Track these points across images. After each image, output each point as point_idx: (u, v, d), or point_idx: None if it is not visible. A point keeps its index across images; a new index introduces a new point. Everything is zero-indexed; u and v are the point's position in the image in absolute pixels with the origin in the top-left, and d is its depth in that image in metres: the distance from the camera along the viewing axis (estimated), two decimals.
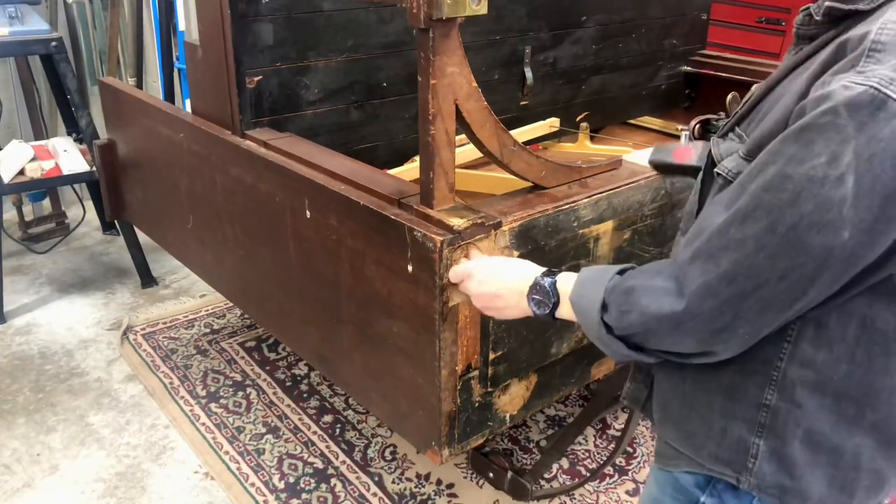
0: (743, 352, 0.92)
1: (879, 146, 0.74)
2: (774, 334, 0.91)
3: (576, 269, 1.57)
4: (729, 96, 1.86)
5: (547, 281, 1.07)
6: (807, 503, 0.96)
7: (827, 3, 0.89)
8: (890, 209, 0.76)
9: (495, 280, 1.18)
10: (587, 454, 2.34)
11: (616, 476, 2.25)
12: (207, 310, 3.12)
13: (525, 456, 2.33)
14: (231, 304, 3.05)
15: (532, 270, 1.12)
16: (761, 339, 0.90)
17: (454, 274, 1.30)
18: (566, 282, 1.06)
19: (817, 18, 0.90)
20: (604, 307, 0.97)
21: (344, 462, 2.29)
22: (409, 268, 1.40)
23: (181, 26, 3.27)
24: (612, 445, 2.35)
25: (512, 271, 1.16)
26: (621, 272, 1.00)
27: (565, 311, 1.06)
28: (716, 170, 0.96)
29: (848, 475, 0.95)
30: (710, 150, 1.01)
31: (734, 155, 0.94)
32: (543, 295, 1.07)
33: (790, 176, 0.79)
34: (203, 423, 2.44)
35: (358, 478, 2.23)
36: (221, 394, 2.59)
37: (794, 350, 0.92)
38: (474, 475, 2.24)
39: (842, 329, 0.89)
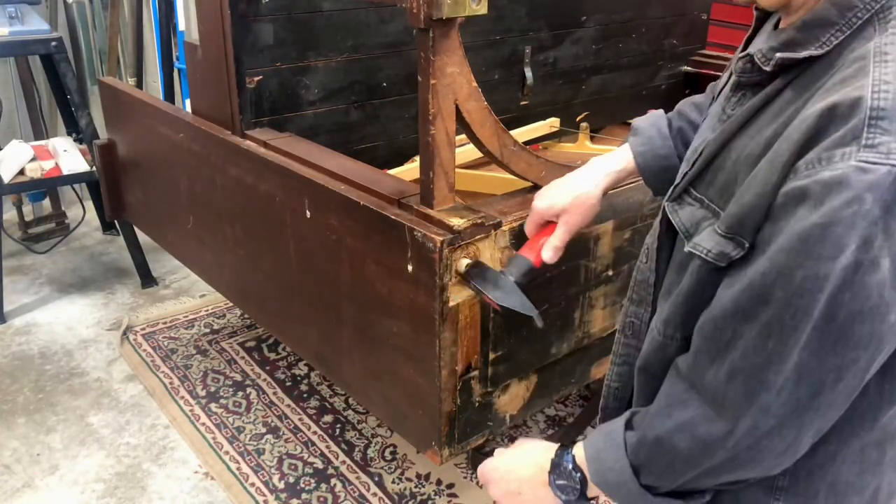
0: None
1: None
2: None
3: (576, 269, 1.58)
4: None
5: (567, 459, 0.96)
6: None
7: (779, 55, 0.83)
8: None
9: (511, 479, 1.04)
10: None
11: None
12: (207, 310, 3.12)
13: None
14: (231, 304, 3.05)
15: (545, 454, 0.99)
16: None
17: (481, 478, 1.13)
18: (578, 461, 0.95)
19: (765, 69, 0.84)
20: (637, 472, 0.88)
21: (344, 462, 2.29)
22: (409, 268, 1.40)
23: (181, 26, 3.27)
24: None
25: (524, 463, 1.03)
26: (627, 425, 0.91)
27: (594, 491, 0.94)
28: (688, 248, 0.88)
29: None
30: (666, 215, 0.95)
31: (709, 231, 0.86)
32: (567, 478, 0.95)
33: (824, 275, 0.72)
34: (203, 423, 2.44)
35: (358, 478, 2.23)
36: (221, 394, 2.59)
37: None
38: (474, 475, 2.24)
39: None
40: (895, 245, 0.70)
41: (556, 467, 0.96)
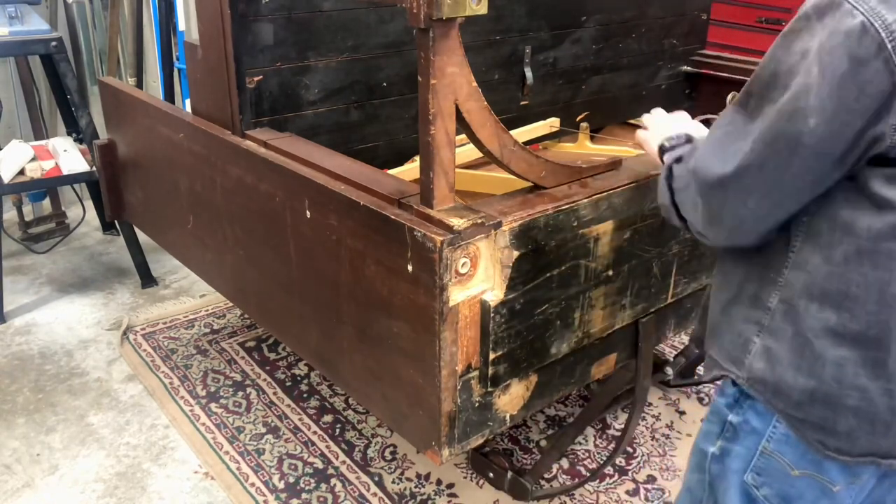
0: (763, 264, 1.04)
1: (836, 40, 0.85)
2: (783, 243, 1.01)
3: (576, 269, 1.58)
4: (729, 96, 1.86)
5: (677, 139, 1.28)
6: (788, 406, 1.03)
7: None
8: (847, 98, 0.86)
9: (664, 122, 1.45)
10: (587, 454, 2.34)
11: (616, 476, 2.25)
12: (207, 310, 3.12)
13: (525, 456, 2.33)
14: (231, 304, 3.05)
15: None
16: (774, 249, 1.02)
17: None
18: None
19: None
20: (669, 173, 1.14)
21: (344, 462, 2.29)
22: (409, 268, 1.40)
23: (181, 26, 3.28)
24: (612, 445, 2.35)
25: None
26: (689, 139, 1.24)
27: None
28: None
29: (831, 388, 0.99)
30: None
31: None
32: (677, 138, 1.27)
33: (777, 72, 0.92)
34: (203, 423, 2.44)
35: (358, 478, 2.23)
36: (221, 394, 2.59)
37: (795, 257, 1.01)
38: (474, 475, 2.24)
39: (829, 234, 0.97)
40: (824, 57, 0.86)
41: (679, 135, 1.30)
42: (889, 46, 0.83)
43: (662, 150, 1.27)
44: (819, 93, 0.86)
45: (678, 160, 1.13)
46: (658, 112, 1.56)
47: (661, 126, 1.42)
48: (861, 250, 0.94)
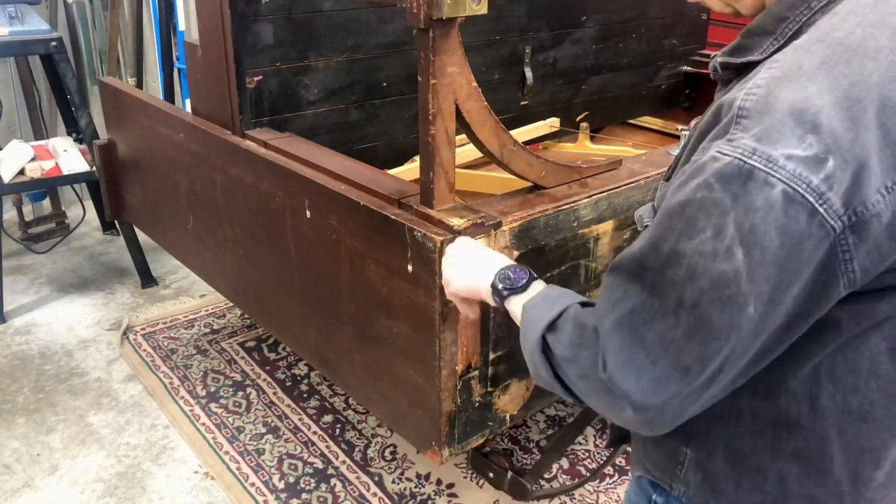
0: None
1: (758, 216, 0.73)
2: None
3: (576, 269, 1.58)
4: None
5: (531, 273, 1.07)
6: None
7: (718, 59, 0.89)
8: (786, 276, 0.74)
9: (473, 253, 1.19)
10: (587, 454, 2.34)
11: (616, 476, 2.25)
12: (207, 310, 3.12)
13: (525, 456, 2.33)
14: (231, 304, 3.05)
15: (509, 261, 1.14)
16: None
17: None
18: (535, 287, 1.04)
19: (718, 71, 0.92)
20: (551, 327, 0.93)
21: (344, 462, 2.29)
22: (409, 268, 1.40)
23: (181, 26, 3.28)
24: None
25: (491, 253, 1.19)
26: (583, 304, 0.95)
27: (513, 306, 1.04)
28: (635, 213, 0.99)
29: (776, 499, 0.92)
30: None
31: (649, 204, 0.96)
32: (515, 276, 1.06)
33: (683, 252, 0.77)
34: (203, 423, 2.44)
35: (358, 478, 2.23)
36: (221, 394, 2.59)
37: None
38: (474, 475, 2.24)
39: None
40: (746, 238, 0.73)
41: (514, 267, 1.08)
42: (821, 210, 0.72)
43: (499, 292, 1.07)
44: (751, 277, 0.74)
45: (551, 327, 0.93)
46: (455, 249, 1.24)
47: (467, 264, 1.18)
48: (786, 372, 0.87)
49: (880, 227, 0.74)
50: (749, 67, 0.86)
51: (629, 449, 1.15)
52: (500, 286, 1.06)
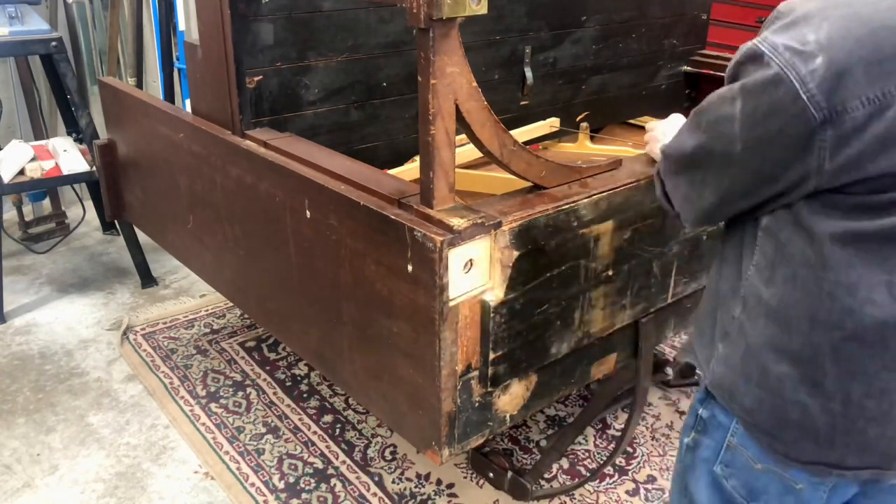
0: (734, 277, 1.10)
1: (757, 84, 0.93)
2: (747, 255, 1.07)
3: (576, 269, 1.58)
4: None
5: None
6: (741, 411, 1.10)
7: None
8: (768, 134, 0.93)
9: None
10: (587, 454, 2.34)
11: (616, 476, 2.25)
12: (207, 310, 3.12)
13: (525, 456, 2.33)
14: (231, 304, 3.05)
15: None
16: (742, 265, 1.08)
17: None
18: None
19: None
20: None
21: (344, 462, 2.29)
22: (410, 268, 1.40)
23: (181, 26, 3.28)
24: (612, 445, 2.35)
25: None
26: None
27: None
28: None
29: (775, 401, 1.04)
30: None
31: None
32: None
33: (713, 101, 1.02)
34: (203, 423, 2.44)
35: (358, 478, 2.23)
36: (221, 394, 2.59)
37: (751, 274, 1.06)
38: (474, 475, 2.24)
39: (774, 255, 1.02)
40: (745, 95, 0.95)
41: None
42: (804, 97, 0.88)
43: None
44: (743, 124, 0.96)
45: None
46: (670, 119, 1.65)
47: (667, 130, 1.56)
48: (795, 275, 1.00)
49: (855, 133, 0.88)
50: None
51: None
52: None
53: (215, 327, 3.00)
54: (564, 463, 2.30)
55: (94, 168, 2.98)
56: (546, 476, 2.23)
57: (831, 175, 0.91)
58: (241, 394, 2.59)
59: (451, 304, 1.37)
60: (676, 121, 1.62)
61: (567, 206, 1.52)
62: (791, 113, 0.90)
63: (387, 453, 2.33)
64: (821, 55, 0.87)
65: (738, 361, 1.08)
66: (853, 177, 0.90)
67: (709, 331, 1.17)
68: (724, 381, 1.11)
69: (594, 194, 1.57)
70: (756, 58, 0.93)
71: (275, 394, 2.59)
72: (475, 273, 1.41)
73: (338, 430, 2.42)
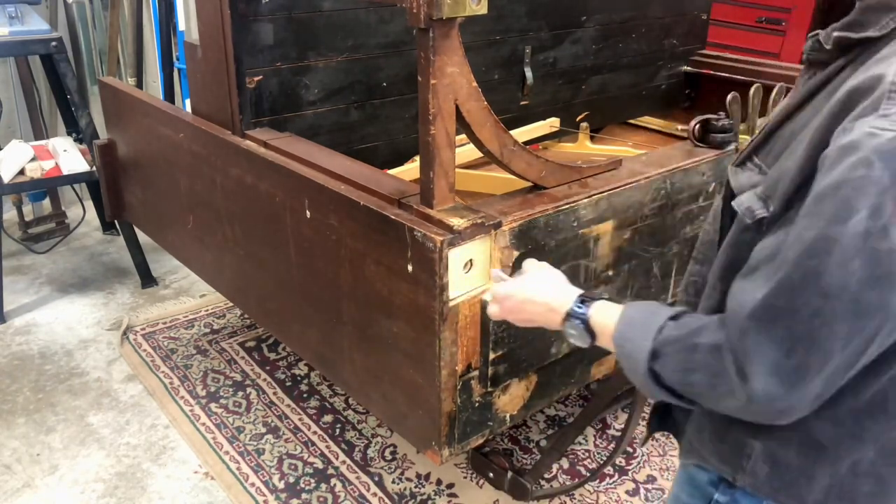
0: None
1: None
2: None
3: (576, 269, 1.58)
4: (729, 96, 1.86)
5: (579, 312, 1.04)
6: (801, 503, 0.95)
7: (836, 34, 0.88)
8: None
9: (523, 310, 1.15)
10: (587, 454, 2.34)
11: (616, 476, 2.25)
12: (207, 310, 3.12)
13: (525, 456, 2.33)
14: (231, 304, 3.05)
15: (562, 299, 1.09)
16: None
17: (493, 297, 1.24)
18: (603, 314, 1.02)
19: (827, 47, 0.89)
20: (654, 355, 0.93)
21: (344, 462, 2.29)
22: (410, 268, 1.40)
23: (181, 26, 3.28)
24: (612, 445, 2.35)
25: (539, 300, 1.13)
26: (674, 317, 0.94)
27: (605, 343, 1.03)
28: (734, 203, 0.94)
29: (845, 482, 0.92)
30: (728, 179, 0.99)
31: (750, 192, 0.92)
32: (578, 332, 1.05)
33: (833, 238, 0.75)
34: (203, 423, 2.44)
35: (358, 478, 2.23)
36: (221, 394, 2.59)
37: None
38: (474, 475, 2.24)
39: None
40: None
41: (571, 316, 1.06)
42: None
43: (581, 317, 1.05)
44: None
45: (654, 357, 0.93)
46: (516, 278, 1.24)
47: (540, 287, 1.15)
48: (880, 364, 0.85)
49: None
50: (862, 45, 0.85)
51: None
52: (574, 336, 1.06)
53: (215, 327, 3.00)
54: (564, 463, 2.30)
55: (94, 168, 2.98)
56: (546, 476, 2.23)
57: None
58: (241, 394, 2.59)
59: (451, 304, 1.37)
60: (541, 277, 1.18)
61: (567, 206, 1.52)
62: None
63: (387, 453, 2.33)
64: None
65: (792, 455, 0.93)
66: None
67: (719, 423, 0.99)
68: (771, 482, 0.95)
69: (594, 194, 1.57)
70: None
71: (275, 394, 2.59)
72: (475, 273, 1.41)
73: (338, 430, 2.42)
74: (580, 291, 1.09)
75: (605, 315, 1.03)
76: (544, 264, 1.23)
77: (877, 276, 0.74)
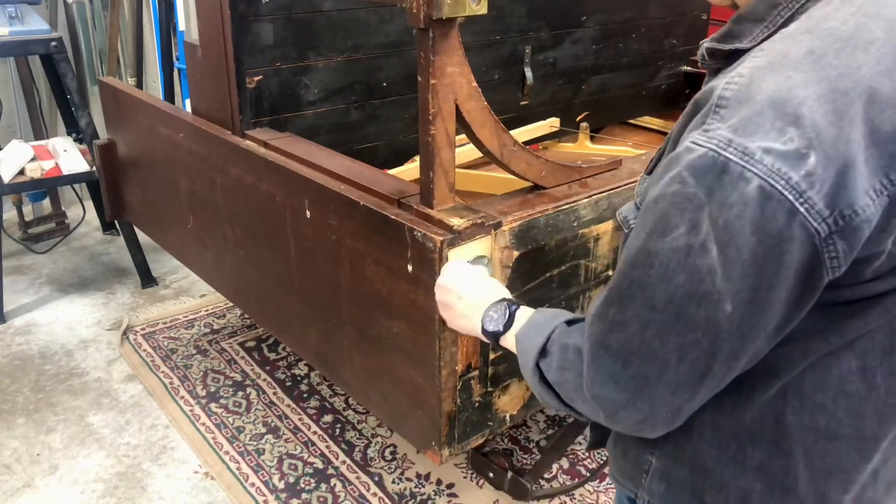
0: None
1: (732, 213, 0.68)
2: None
3: (576, 269, 1.58)
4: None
5: (510, 306, 1.06)
6: None
7: (706, 45, 0.85)
8: (766, 277, 0.70)
9: (466, 285, 1.18)
10: (587, 454, 2.34)
11: None
12: (207, 310, 3.12)
13: (525, 456, 2.33)
14: (231, 304, 3.05)
15: (500, 293, 1.13)
16: None
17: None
18: (523, 315, 1.04)
19: (706, 59, 0.87)
20: (543, 353, 0.93)
21: (344, 462, 2.29)
22: (409, 268, 1.40)
23: (181, 26, 3.27)
24: None
25: (484, 286, 1.17)
26: (570, 322, 0.95)
27: (509, 341, 1.03)
28: (617, 212, 0.95)
29: None
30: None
31: (631, 202, 0.92)
32: (500, 314, 1.06)
33: (654, 251, 0.73)
34: (203, 423, 2.44)
35: (358, 478, 2.23)
36: (221, 394, 2.59)
37: None
38: (474, 475, 2.24)
39: None
40: (722, 234, 0.69)
41: (500, 303, 1.08)
42: (802, 210, 0.67)
43: (491, 337, 1.07)
44: (726, 275, 0.70)
45: (542, 353, 0.94)
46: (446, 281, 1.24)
47: (458, 306, 1.17)
48: (754, 386, 0.85)
49: (871, 232, 0.69)
50: (737, 55, 0.82)
51: None
52: (489, 332, 1.07)
53: (215, 327, 3.00)
54: (564, 463, 2.30)
55: (94, 168, 2.98)
56: (546, 476, 2.23)
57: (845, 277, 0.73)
58: (241, 394, 2.59)
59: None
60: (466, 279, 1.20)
61: (567, 206, 1.52)
62: (787, 235, 0.68)
63: (387, 453, 2.33)
64: (812, 152, 0.67)
65: (685, 475, 0.91)
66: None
67: (623, 439, 0.98)
68: (667, 501, 0.94)
69: (594, 194, 1.57)
70: (716, 170, 0.69)
71: (275, 394, 2.59)
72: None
73: (338, 430, 2.42)
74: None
75: (523, 315, 1.04)
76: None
77: (701, 294, 0.71)
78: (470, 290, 1.17)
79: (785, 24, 0.78)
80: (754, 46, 0.79)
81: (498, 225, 1.41)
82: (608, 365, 0.80)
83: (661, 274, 0.73)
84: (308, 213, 1.66)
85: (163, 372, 2.70)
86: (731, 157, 0.68)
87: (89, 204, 3.60)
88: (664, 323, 0.74)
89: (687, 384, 0.77)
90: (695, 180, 0.70)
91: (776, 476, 0.85)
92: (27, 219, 3.59)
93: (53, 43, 3.01)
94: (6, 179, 2.94)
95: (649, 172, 0.93)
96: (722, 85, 0.73)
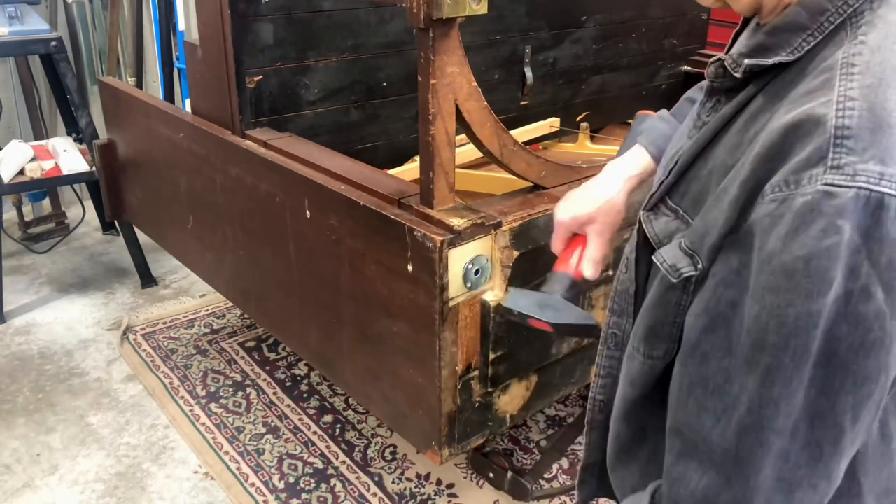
0: None
1: (889, 244, 0.64)
2: None
3: None
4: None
5: None
6: None
7: (747, 62, 0.78)
8: None
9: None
10: None
11: None
12: (207, 310, 3.12)
13: (525, 456, 2.33)
14: (231, 304, 3.05)
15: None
16: None
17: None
18: None
19: (736, 75, 0.79)
20: None
21: (344, 462, 2.29)
22: (409, 268, 1.40)
23: (181, 26, 3.28)
24: None
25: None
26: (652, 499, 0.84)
27: None
28: (654, 257, 0.83)
29: None
30: (641, 225, 0.89)
31: (673, 245, 0.81)
32: None
33: (817, 312, 0.66)
34: (203, 423, 2.44)
35: (358, 478, 2.23)
36: (221, 394, 2.59)
37: None
38: (474, 475, 2.23)
39: None
40: (886, 274, 0.64)
41: None
42: None
43: None
44: (894, 315, 0.65)
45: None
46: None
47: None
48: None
49: None
50: (773, 71, 0.76)
51: None
52: None
53: (215, 327, 3.00)
54: (564, 463, 2.30)
55: (94, 168, 2.98)
56: (546, 476, 2.23)
57: None
58: (241, 394, 2.59)
59: (451, 304, 1.37)
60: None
61: None
62: None
63: (387, 453, 2.33)
64: None
65: None
66: None
67: (637, 470, 0.93)
68: None
69: None
70: (877, 207, 0.64)
71: (275, 394, 2.59)
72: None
73: (338, 430, 2.42)
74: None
75: None
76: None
77: (870, 341, 0.66)
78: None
79: (835, 33, 0.73)
80: (799, 58, 0.75)
81: (498, 225, 1.41)
82: (777, 446, 0.70)
83: (827, 333, 0.66)
84: (308, 213, 1.66)
85: (163, 372, 2.70)
86: (886, 190, 0.63)
87: (89, 204, 3.60)
88: (834, 383, 0.68)
89: (858, 442, 0.72)
90: (850, 224, 0.64)
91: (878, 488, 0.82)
92: (27, 219, 3.59)
93: (53, 43, 3.01)
94: (6, 179, 2.94)
95: (650, 209, 0.88)
96: (833, 115, 0.67)
